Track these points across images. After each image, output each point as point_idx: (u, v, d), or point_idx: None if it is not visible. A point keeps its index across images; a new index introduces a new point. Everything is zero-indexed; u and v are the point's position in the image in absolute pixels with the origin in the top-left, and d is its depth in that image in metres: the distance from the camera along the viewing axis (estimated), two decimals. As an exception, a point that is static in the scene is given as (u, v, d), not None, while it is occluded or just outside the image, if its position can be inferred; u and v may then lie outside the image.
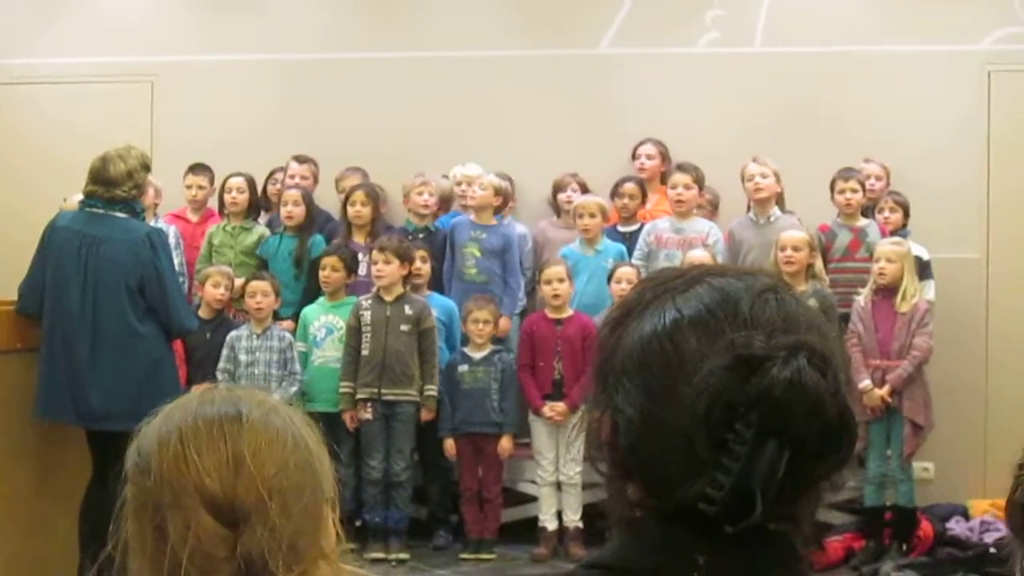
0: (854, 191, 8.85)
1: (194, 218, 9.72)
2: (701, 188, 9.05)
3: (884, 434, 8.38)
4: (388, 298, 8.55)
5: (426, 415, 8.56)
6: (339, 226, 9.30)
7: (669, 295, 1.56)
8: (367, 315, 8.55)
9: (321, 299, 8.82)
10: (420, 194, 9.29)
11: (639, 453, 1.52)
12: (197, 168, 9.70)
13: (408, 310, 8.54)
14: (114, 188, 6.88)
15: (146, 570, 1.76)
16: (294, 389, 8.47)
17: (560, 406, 8.51)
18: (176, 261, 8.30)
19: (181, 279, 8.38)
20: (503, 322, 8.95)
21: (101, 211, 6.91)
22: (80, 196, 7.11)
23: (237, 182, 9.44)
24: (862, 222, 8.92)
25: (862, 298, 8.44)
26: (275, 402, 1.88)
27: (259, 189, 9.64)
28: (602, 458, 1.57)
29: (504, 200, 9.35)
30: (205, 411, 1.80)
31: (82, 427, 6.92)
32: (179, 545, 1.71)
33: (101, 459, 6.80)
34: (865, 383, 8.25)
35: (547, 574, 8.11)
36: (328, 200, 9.64)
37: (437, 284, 9.13)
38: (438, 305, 8.82)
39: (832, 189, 8.91)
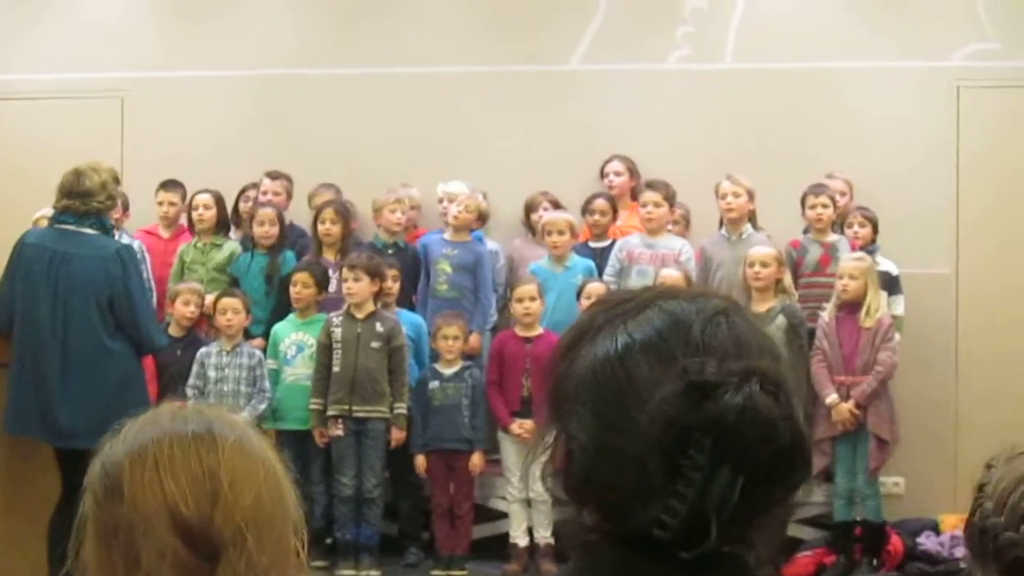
0: (825, 206, 8.87)
1: (166, 234, 9.68)
2: (672, 205, 9.06)
3: (851, 449, 8.40)
4: (359, 315, 8.54)
5: (396, 434, 8.53)
6: (310, 242, 9.29)
7: (620, 319, 1.55)
8: (338, 332, 8.53)
9: (291, 316, 8.80)
10: (393, 212, 9.26)
11: (593, 479, 1.52)
12: (168, 184, 9.66)
13: (379, 327, 8.53)
14: (90, 200, 6.89)
15: None
16: (263, 406, 8.47)
17: (529, 423, 8.47)
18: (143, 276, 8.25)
19: (149, 294, 8.35)
20: (474, 339, 8.95)
21: (72, 227, 6.91)
22: (50, 212, 7.09)
23: (204, 199, 9.41)
24: (832, 237, 8.94)
25: (826, 314, 8.46)
26: (244, 424, 1.85)
27: (228, 205, 9.60)
28: (558, 484, 1.57)
29: (483, 219, 9.38)
30: (178, 431, 1.76)
31: (51, 444, 6.89)
32: (153, 574, 1.69)
33: (70, 476, 6.78)
34: (832, 397, 8.27)
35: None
36: (301, 216, 9.62)
37: (406, 301, 9.12)
38: (406, 321, 8.81)
39: (803, 204, 8.93)
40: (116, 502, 1.73)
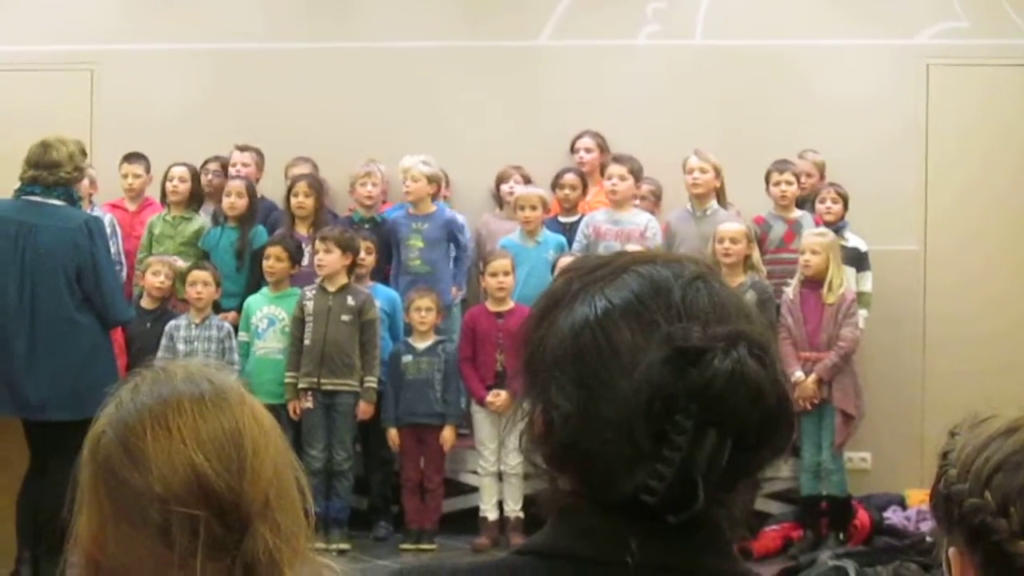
0: (789, 183, 8.90)
1: (132, 207, 9.62)
2: (638, 179, 9.03)
3: (816, 424, 8.44)
4: (331, 288, 8.54)
5: (365, 407, 8.53)
6: (282, 216, 9.27)
7: (597, 285, 1.55)
8: (310, 305, 8.53)
9: (264, 290, 8.79)
10: (364, 185, 9.27)
11: (576, 447, 1.51)
12: (132, 157, 9.60)
13: (350, 300, 8.52)
14: (58, 171, 6.89)
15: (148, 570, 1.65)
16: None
17: (503, 394, 8.44)
18: (112, 249, 8.21)
19: (118, 267, 8.32)
20: (455, 291, 9.08)
21: (39, 199, 6.88)
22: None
23: (179, 171, 9.36)
24: (796, 214, 8.97)
25: (790, 291, 8.49)
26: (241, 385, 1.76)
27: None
28: (536, 453, 1.56)
29: (438, 186, 9.32)
30: (193, 394, 1.69)
31: (20, 418, 6.87)
32: (187, 552, 1.62)
33: (40, 450, 6.77)
34: (798, 375, 8.30)
35: (482, 559, 8.09)
36: (273, 190, 9.60)
37: (382, 275, 9.11)
38: (382, 296, 8.81)
39: (767, 181, 8.96)
40: (139, 474, 1.65)
